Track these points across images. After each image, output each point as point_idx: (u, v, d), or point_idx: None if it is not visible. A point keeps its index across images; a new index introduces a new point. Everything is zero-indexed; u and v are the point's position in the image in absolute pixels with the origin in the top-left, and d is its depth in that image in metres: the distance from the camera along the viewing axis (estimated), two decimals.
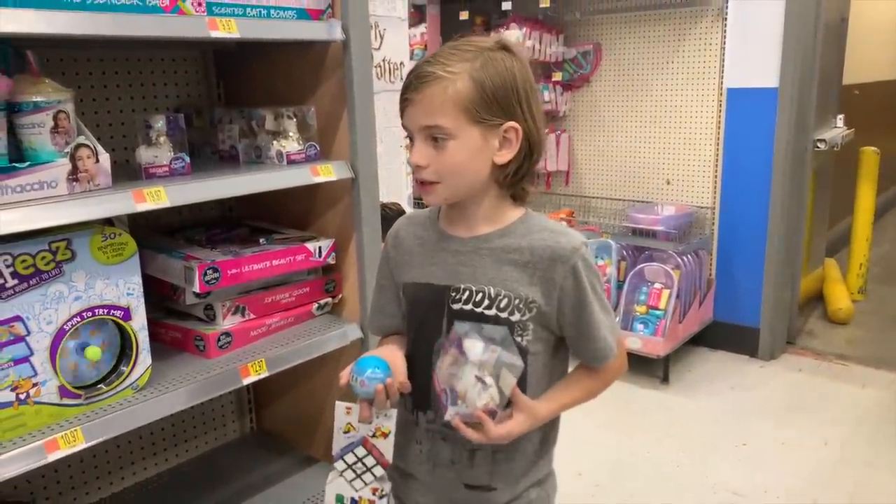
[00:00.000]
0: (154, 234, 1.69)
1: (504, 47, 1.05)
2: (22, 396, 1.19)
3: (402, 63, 1.78)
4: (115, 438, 1.77)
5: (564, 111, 4.11)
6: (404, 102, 1.06)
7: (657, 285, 3.51)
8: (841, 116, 4.15)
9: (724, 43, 3.54)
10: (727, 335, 3.80)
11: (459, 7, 4.23)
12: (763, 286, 3.66)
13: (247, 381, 1.45)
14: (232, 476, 1.85)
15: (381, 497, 1.17)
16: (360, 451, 1.15)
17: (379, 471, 1.16)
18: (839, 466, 2.71)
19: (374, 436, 1.14)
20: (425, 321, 1.14)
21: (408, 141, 1.09)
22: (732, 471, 2.72)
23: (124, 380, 1.33)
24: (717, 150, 3.68)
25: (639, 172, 3.96)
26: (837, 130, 4.00)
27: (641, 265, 3.56)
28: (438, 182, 1.06)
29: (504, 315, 1.09)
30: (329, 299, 1.74)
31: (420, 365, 1.13)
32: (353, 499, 1.17)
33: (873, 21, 5.67)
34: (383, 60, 1.73)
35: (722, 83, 3.59)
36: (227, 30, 1.32)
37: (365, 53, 1.56)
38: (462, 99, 1.01)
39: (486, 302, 1.10)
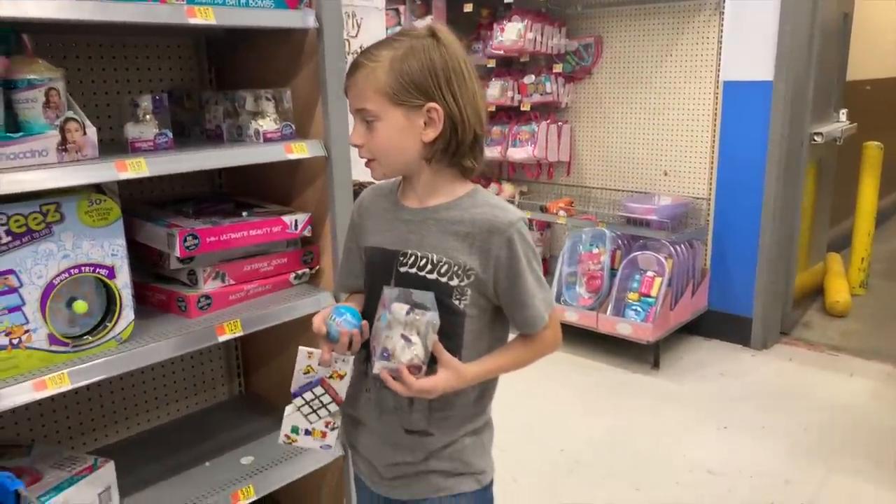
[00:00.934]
0: (146, 205, 1.84)
1: (433, 34, 1.18)
2: (15, 341, 1.34)
3: None
4: (110, 394, 1.95)
5: (566, 102, 4.21)
6: (345, 89, 1.21)
7: (650, 273, 3.60)
8: (844, 111, 4.18)
9: (721, 36, 3.61)
10: (721, 324, 3.87)
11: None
12: (756, 277, 3.72)
13: (222, 338, 1.59)
14: (220, 430, 2.00)
15: (332, 429, 1.31)
16: (318, 390, 1.28)
17: (333, 407, 1.29)
18: (815, 450, 2.79)
19: (330, 377, 1.27)
20: (377, 281, 1.26)
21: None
22: (710, 451, 2.81)
23: (108, 332, 1.47)
24: (714, 142, 3.75)
25: (637, 163, 4.04)
26: (838, 125, 4.04)
27: (635, 253, 3.65)
28: (374, 159, 1.21)
29: (444, 280, 1.21)
30: (306, 270, 1.87)
31: (371, 318, 1.25)
32: (306, 430, 1.30)
33: (886, 18, 5.65)
34: (360, 48, 1.85)
35: (718, 76, 3.67)
36: (204, 17, 1.45)
37: (337, 40, 1.69)
38: (381, 84, 1.15)
39: (430, 267, 1.22)
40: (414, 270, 1.23)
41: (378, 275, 1.27)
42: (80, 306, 1.43)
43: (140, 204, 1.87)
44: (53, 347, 1.40)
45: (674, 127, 3.87)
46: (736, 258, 3.80)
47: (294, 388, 1.28)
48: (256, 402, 2.18)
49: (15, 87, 1.33)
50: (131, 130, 1.54)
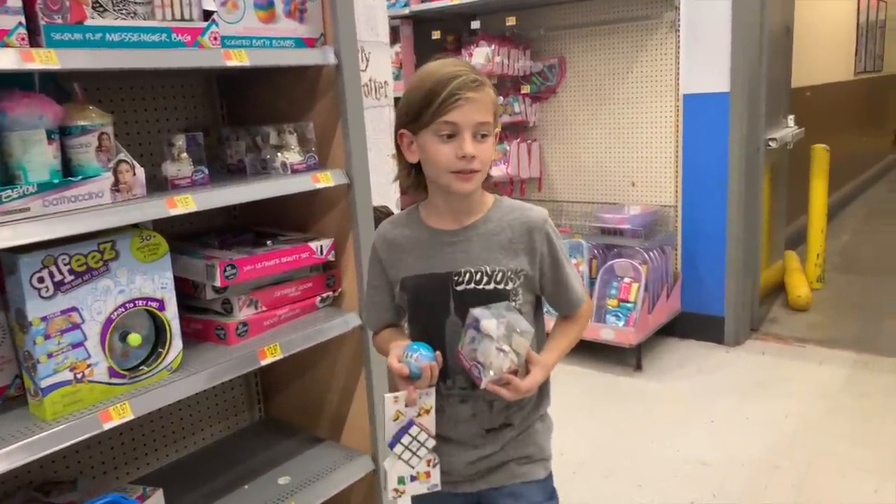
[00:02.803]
0: (173, 240, 1.90)
1: None
2: (79, 376, 1.40)
3: (385, 82, 2.01)
4: (140, 427, 1.99)
5: (534, 121, 4.37)
6: (457, 101, 1.22)
7: (626, 279, 3.77)
8: (791, 116, 4.46)
9: (678, 52, 3.83)
10: (695, 324, 4.06)
11: (431, 27, 4.49)
12: (725, 277, 3.93)
13: (264, 362, 1.67)
14: (249, 454, 2.06)
15: (434, 467, 1.33)
16: (414, 430, 1.30)
17: (431, 443, 1.32)
18: (798, 436, 2.96)
19: (419, 415, 1.29)
20: (433, 304, 1.34)
21: (444, 137, 1.24)
22: (701, 444, 2.96)
23: (161, 362, 1.53)
24: (677, 152, 3.96)
25: (605, 176, 4.23)
26: (788, 129, 4.31)
27: (611, 261, 3.82)
28: (478, 171, 1.28)
29: (501, 286, 1.32)
30: (330, 293, 1.96)
31: (434, 342, 1.32)
32: (411, 476, 1.32)
33: (821, 27, 6.04)
34: (370, 80, 1.95)
35: (678, 89, 3.88)
36: (239, 59, 1.55)
37: (355, 74, 1.80)
38: (495, 102, 1.28)
39: (486, 279, 1.32)
40: (472, 286, 1.31)
41: (430, 299, 1.34)
42: (135, 339, 1.49)
43: (167, 238, 1.93)
44: (113, 380, 1.46)
45: (638, 140, 4.07)
46: (705, 261, 4.00)
47: (388, 438, 1.30)
48: (278, 425, 2.24)
49: (69, 134, 1.40)
50: (169, 169, 1.61)
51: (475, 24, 4.29)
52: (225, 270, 1.64)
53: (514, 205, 1.39)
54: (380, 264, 1.41)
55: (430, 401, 1.30)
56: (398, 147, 1.33)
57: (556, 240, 1.36)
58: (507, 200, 1.39)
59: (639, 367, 3.73)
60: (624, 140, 4.12)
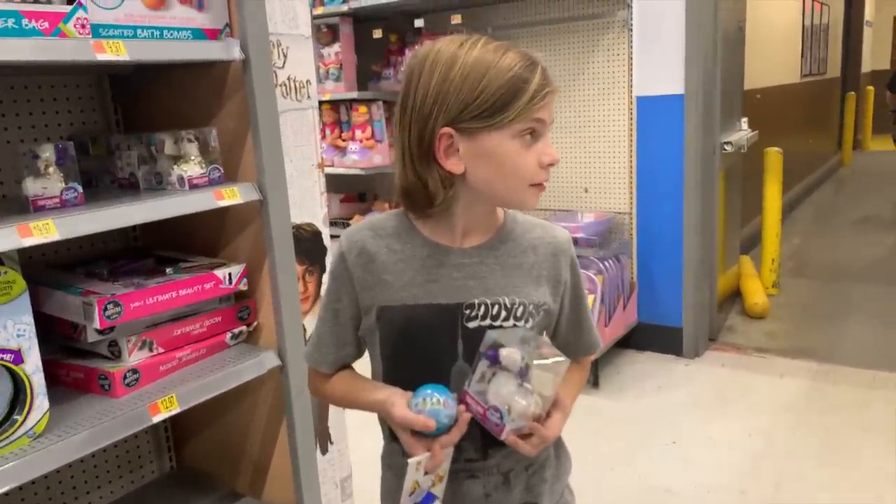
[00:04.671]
0: (51, 269, 1.59)
1: None
2: None
3: (308, 81, 1.75)
4: (18, 490, 1.67)
5: None
6: (546, 95, 0.99)
7: None
8: (745, 119, 4.34)
9: (631, 52, 3.65)
10: (653, 336, 3.89)
11: (372, 26, 4.23)
12: (683, 287, 3.77)
13: (156, 418, 1.38)
14: None
15: None
16: None
17: None
18: (763, 457, 2.80)
19: (432, 485, 1.00)
20: (433, 346, 1.04)
21: (527, 138, 1.00)
22: (664, 469, 2.77)
23: (18, 428, 1.23)
24: (631, 156, 3.79)
25: (557, 182, 4.03)
26: (742, 133, 4.18)
27: None
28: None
29: (521, 324, 1.04)
30: (243, 328, 1.68)
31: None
32: None
33: (770, 30, 5.98)
34: (288, 79, 1.69)
35: (631, 91, 3.70)
36: (115, 52, 1.26)
37: (266, 71, 1.53)
38: None
39: (504, 314, 1.03)
40: (487, 322, 1.02)
41: (433, 337, 1.03)
42: None
43: (42, 268, 1.62)
44: None
45: (591, 144, 3.88)
46: (661, 270, 3.84)
47: None
48: (191, 477, 1.94)
49: None
50: (31, 186, 1.31)
51: (419, 23, 4.06)
52: (105, 309, 1.35)
53: (533, 221, 1.11)
54: (350, 283, 1.07)
55: (446, 465, 0.99)
56: (426, 152, 0.99)
57: (578, 266, 1.12)
58: (519, 215, 1.11)
59: (595, 384, 3.53)
60: (576, 144, 3.92)
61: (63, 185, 1.34)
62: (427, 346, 1.04)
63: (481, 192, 1.02)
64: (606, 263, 3.58)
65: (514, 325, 1.03)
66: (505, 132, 0.97)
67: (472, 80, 0.96)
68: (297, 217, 1.77)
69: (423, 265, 1.04)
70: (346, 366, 1.15)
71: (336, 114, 4.24)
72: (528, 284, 1.05)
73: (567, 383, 1.12)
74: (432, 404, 0.95)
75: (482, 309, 1.03)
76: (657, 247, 3.82)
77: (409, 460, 0.96)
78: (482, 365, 0.96)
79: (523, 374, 0.93)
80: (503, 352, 0.94)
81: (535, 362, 0.94)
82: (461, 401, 0.99)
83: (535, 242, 1.07)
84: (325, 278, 1.78)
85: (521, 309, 1.04)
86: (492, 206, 1.06)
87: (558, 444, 1.18)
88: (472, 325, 1.03)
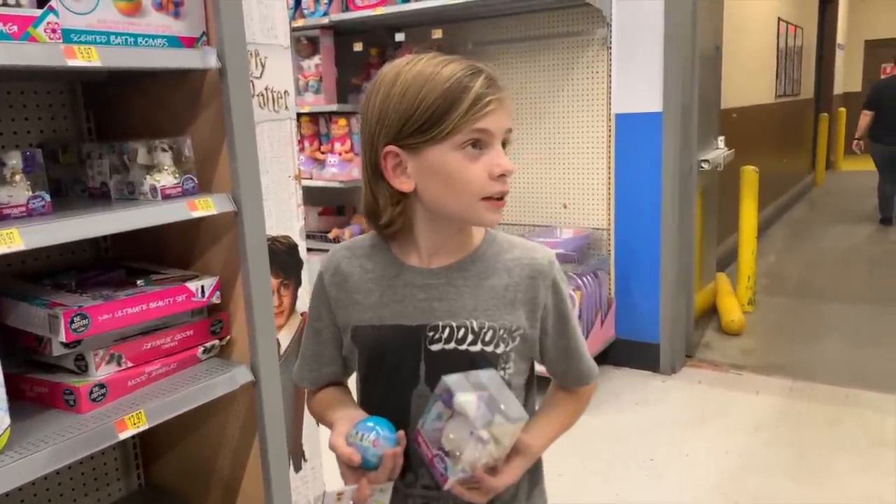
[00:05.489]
0: (16, 280, 1.55)
1: None
2: None
3: (286, 92, 1.73)
4: None
5: None
6: (489, 103, 0.94)
7: None
8: (722, 138, 4.39)
9: (610, 70, 3.68)
10: (630, 352, 3.89)
11: (353, 39, 4.22)
12: (660, 303, 3.78)
13: (123, 435, 1.33)
14: None
15: None
16: None
17: None
18: (740, 474, 2.80)
19: None
20: (396, 367, 1.02)
21: (472, 152, 0.95)
22: (642, 487, 2.76)
23: None
24: (609, 173, 3.80)
25: (536, 198, 4.03)
26: (719, 151, 4.22)
27: None
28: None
29: (490, 349, 1.00)
30: (216, 342, 1.64)
31: (394, 418, 0.99)
32: None
33: (746, 50, 6.07)
34: (266, 89, 1.67)
35: (610, 109, 3.72)
36: (86, 58, 1.23)
37: (243, 81, 1.50)
38: None
39: (470, 337, 1.00)
40: (452, 345, 1.00)
41: (397, 360, 1.02)
42: None
43: (7, 278, 1.58)
44: None
45: (570, 160, 3.89)
46: (639, 286, 3.84)
47: None
48: (161, 495, 1.89)
49: None
50: None
51: (400, 37, 4.06)
52: (72, 322, 1.31)
53: (514, 241, 1.07)
54: (327, 302, 1.08)
55: (384, 498, 0.97)
56: (376, 172, 1.01)
57: (565, 290, 1.06)
58: (501, 235, 1.08)
59: None
60: (555, 161, 3.93)
61: (30, 193, 1.30)
62: (392, 368, 1.03)
63: (436, 210, 1.00)
64: (585, 279, 3.58)
65: (482, 350, 1.00)
66: (446, 145, 0.95)
67: (411, 94, 0.95)
68: (273, 229, 1.74)
69: (389, 285, 1.04)
70: (334, 383, 1.14)
71: (315, 126, 4.21)
72: (501, 307, 1.01)
73: (548, 413, 1.12)
74: (362, 440, 0.93)
75: (447, 332, 1.01)
76: (635, 263, 3.83)
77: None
78: (438, 407, 0.92)
79: (478, 422, 0.88)
80: (459, 397, 0.90)
81: (491, 409, 0.89)
82: (413, 439, 0.96)
83: (510, 264, 1.03)
84: (302, 293, 1.75)
85: (490, 333, 1.01)
86: (456, 225, 1.03)
87: (533, 482, 1.13)
88: (435, 347, 1.01)
